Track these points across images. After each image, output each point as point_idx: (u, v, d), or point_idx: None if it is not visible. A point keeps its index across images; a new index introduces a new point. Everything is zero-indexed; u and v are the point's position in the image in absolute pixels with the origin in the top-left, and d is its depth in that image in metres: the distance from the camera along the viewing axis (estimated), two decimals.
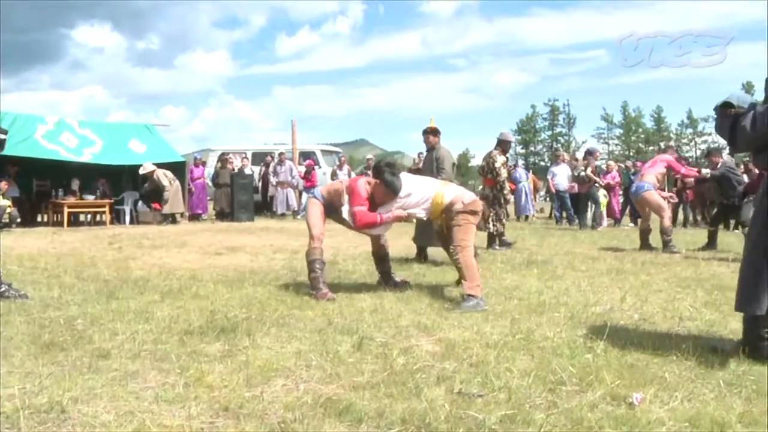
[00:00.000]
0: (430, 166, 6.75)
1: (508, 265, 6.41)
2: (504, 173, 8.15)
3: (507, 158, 8.67)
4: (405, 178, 4.60)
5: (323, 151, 20.09)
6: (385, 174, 4.44)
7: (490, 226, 8.12)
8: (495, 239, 8.26)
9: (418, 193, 4.56)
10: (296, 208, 16.09)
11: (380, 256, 4.96)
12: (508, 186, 8.31)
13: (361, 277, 5.35)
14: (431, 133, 6.87)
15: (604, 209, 13.11)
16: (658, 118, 74.39)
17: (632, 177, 14.00)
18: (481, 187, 8.89)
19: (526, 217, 16.17)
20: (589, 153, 13.56)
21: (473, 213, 4.51)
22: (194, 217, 14.63)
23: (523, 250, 8.10)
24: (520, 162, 56.67)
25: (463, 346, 3.17)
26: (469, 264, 4.37)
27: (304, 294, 4.60)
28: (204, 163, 15.88)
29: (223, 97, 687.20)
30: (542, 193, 23.72)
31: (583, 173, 12.84)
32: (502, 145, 8.32)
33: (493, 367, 2.79)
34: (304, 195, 16.36)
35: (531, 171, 24.62)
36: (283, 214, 15.48)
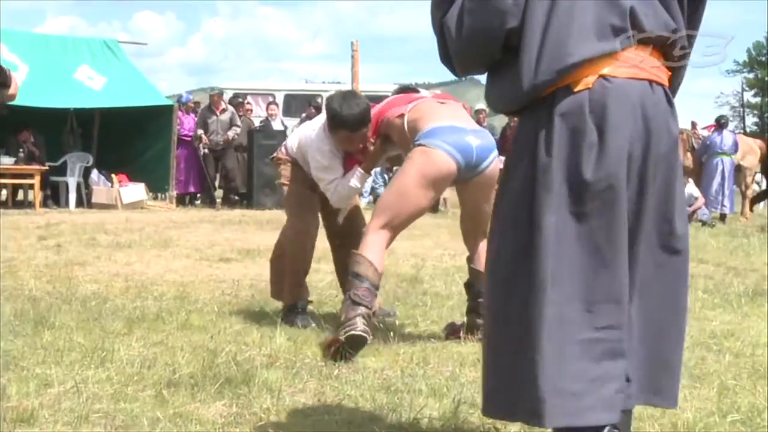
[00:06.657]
0: None
1: (717, 296, 6.30)
2: None
3: None
4: None
5: None
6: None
7: None
8: None
9: None
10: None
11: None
12: None
13: (459, 305, 5.42)
14: None
15: None
16: None
17: None
18: None
19: (722, 216, 15.54)
20: None
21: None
22: (184, 200, 14.92)
23: (745, 271, 7.92)
24: (731, 123, 49.21)
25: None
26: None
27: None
28: (197, 109, 15.94)
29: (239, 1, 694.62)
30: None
31: None
32: None
33: None
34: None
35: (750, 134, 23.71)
36: None
